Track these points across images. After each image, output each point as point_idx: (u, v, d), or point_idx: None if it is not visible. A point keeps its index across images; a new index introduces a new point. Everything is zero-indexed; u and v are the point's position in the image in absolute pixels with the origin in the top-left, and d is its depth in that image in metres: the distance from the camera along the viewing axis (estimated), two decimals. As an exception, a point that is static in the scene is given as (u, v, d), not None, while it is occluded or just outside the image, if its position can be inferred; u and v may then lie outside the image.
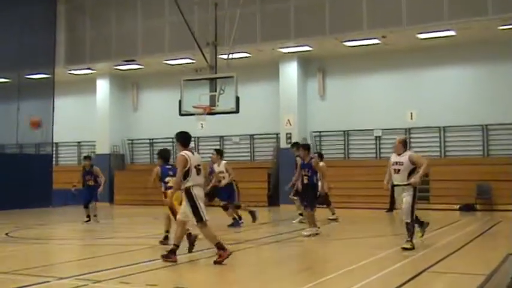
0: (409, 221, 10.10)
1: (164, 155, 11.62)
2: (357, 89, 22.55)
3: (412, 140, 21.45)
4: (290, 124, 22.56)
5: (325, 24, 20.06)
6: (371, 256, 9.40)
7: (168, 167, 11.37)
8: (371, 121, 22.01)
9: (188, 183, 8.85)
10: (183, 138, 9.48)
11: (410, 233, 10.08)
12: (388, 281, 7.69)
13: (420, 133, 21.51)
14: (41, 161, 23.50)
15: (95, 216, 15.49)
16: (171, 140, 25.28)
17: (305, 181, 12.43)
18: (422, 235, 10.85)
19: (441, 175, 19.76)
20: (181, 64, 23.31)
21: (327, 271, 8.13)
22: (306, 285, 7.25)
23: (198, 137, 24.74)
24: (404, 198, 10.10)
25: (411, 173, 10.09)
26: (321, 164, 16.01)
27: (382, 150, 21.83)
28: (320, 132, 22.96)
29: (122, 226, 15.33)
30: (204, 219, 8.89)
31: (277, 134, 23.37)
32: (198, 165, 9.08)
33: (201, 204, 8.90)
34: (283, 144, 22.58)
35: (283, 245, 11.63)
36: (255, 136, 24.10)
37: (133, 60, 23.99)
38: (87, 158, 16.03)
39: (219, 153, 15.03)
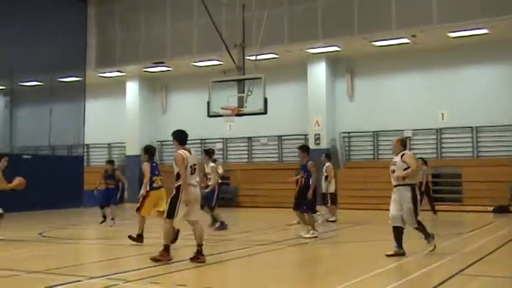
0: (416, 226, 9.58)
1: (151, 151, 11.66)
2: (386, 89, 22.35)
3: (443, 140, 21.19)
4: (318, 125, 22.47)
5: (354, 24, 19.94)
6: (401, 259, 9.28)
7: (154, 164, 11.39)
8: (401, 122, 21.77)
9: (179, 182, 8.89)
10: (180, 137, 9.51)
11: (425, 233, 9.66)
12: (419, 283, 7.59)
13: (452, 133, 21.21)
14: (72, 163, 23.86)
15: (112, 219, 15.36)
16: (199, 141, 25.47)
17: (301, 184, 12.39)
18: (433, 249, 9.66)
19: (474, 176, 19.46)
20: (209, 66, 23.42)
21: (357, 273, 8.06)
22: (336, 287, 7.19)
23: (226, 138, 24.82)
24: (406, 207, 9.44)
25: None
26: (327, 164, 16.10)
27: (412, 152, 21.53)
28: (349, 133, 22.81)
29: (152, 226, 15.40)
30: (173, 217, 8.90)
31: (305, 135, 23.29)
32: (194, 164, 9.14)
33: (180, 205, 8.83)
34: (312, 145, 22.47)
35: (311, 246, 11.56)
36: (283, 137, 24.06)
37: (162, 63, 24.18)
38: (109, 162, 16.21)
39: (208, 154, 14.86)
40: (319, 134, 22.42)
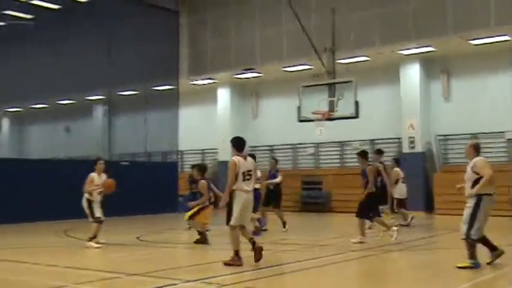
0: (463, 237, 8.76)
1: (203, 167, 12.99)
2: (484, 90, 21.35)
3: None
4: (413, 128, 21.84)
5: (448, 22, 19.25)
6: (501, 267, 8.80)
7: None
8: (501, 123, 20.70)
9: (233, 187, 9.11)
10: (238, 143, 9.73)
11: (469, 251, 8.71)
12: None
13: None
14: (167, 169, 24.53)
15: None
16: (290, 146, 25.47)
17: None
18: (490, 262, 8.93)
19: None
20: (299, 71, 23.39)
21: (456, 280, 7.72)
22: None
23: (318, 143, 24.65)
24: (464, 211, 8.80)
25: (477, 182, 8.71)
26: (395, 169, 15.68)
27: (514, 155, 20.50)
28: (445, 135, 22.01)
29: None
30: (230, 223, 9.19)
31: (399, 139, 22.71)
32: (249, 170, 9.28)
33: (237, 210, 9.07)
34: (406, 148, 21.92)
35: (406, 253, 11.23)
36: (375, 141, 23.58)
37: (252, 69, 24.43)
38: (194, 166, 16.49)
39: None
40: (413, 137, 21.80)
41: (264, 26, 23.62)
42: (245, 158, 9.44)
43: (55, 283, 8.20)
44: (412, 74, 22.04)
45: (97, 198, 12.49)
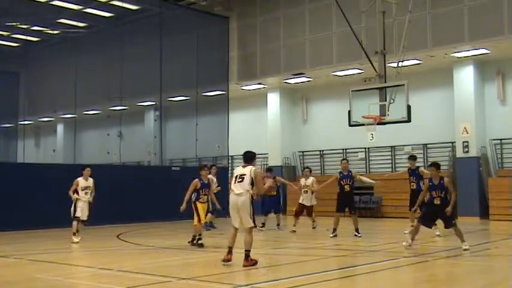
0: None
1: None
2: (542, 92, 20.67)
3: None
4: (467, 132, 21.31)
5: (504, 23, 18.73)
6: None
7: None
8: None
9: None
10: (243, 156, 10.28)
11: None
12: None
13: None
14: (218, 173, 24.64)
15: (277, 225, 17.33)
16: (341, 151, 25.25)
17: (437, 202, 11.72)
18: None
19: None
20: (349, 75, 23.18)
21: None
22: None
23: (369, 148, 24.36)
24: None
25: None
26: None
27: None
28: (501, 140, 21.38)
29: (294, 236, 15.52)
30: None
31: (452, 143, 22.20)
32: (242, 175, 10.00)
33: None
34: (460, 153, 21.42)
35: (460, 259, 10.94)
36: (428, 145, 23.13)
37: (302, 74, 24.35)
38: (268, 170, 16.91)
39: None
40: (467, 142, 21.26)
41: (314, 30, 23.53)
42: (243, 167, 10.06)
43: (108, 286, 8.34)
44: (466, 77, 21.51)
45: (83, 199, 14.45)
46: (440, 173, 11.92)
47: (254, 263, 9.68)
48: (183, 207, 12.64)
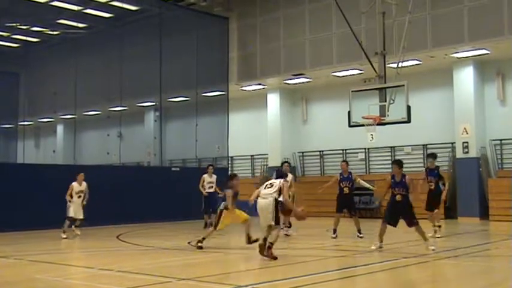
0: None
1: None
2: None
3: None
4: (467, 133, 21.30)
5: (504, 24, 18.73)
6: None
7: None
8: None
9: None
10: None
11: None
12: None
13: None
14: (218, 174, 24.62)
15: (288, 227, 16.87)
16: (341, 151, 25.25)
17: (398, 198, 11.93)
18: None
19: None
20: (349, 75, 23.19)
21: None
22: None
23: (368, 148, 24.35)
24: None
25: None
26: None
27: None
28: (501, 140, 21.38)
29: (295, 237, 15.52)
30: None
31: (452, 144, 22.21)
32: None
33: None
34: (460, 154, 21.41)
35: (460, 260, 10.94)
36: (428, 146, 23.11)
37: (301, 74, 24.35)
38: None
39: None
40: (467, 142, 21.25)
41: (314, 31, 23.53)
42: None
43: (108, 287, 8.34)
44: (466, 77, 21.50)
45: (77, 202, 15.93)
46: (402, 171, 12.04)
47: (273, 257, 10.38)
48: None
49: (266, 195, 10.92)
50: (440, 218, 14.69)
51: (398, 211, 11.82)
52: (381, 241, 11.95)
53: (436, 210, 14.54)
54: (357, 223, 14.79)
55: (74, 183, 16.01)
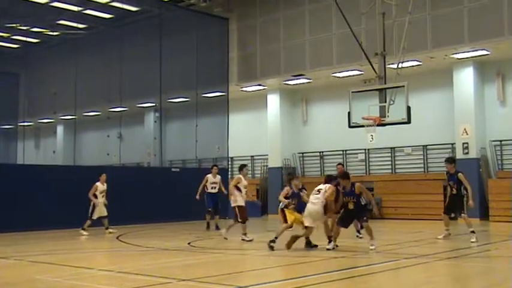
0: None
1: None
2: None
3: None
4: (467, 133, 21.30)
5: (504, 24, 18.73)
6: None
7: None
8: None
9: None
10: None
11: None
12: None
13: None
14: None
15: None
16: (341, 152, 25.25)
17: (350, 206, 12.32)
18: None
19: None
20: (349, 76, 23.19)
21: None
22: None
23: (368, 149, 24.35)
24: None
25: None
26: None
27: None
28: (501, 141, 21.38)
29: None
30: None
31: (452, 144, 22.20)
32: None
33: None
34: (460, 154, 21.40)
35: (461, 261, 10.94)
36: (428, 147, 23.13)
37: (301, 75, 24.35)
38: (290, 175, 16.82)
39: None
40: (467, 143, 21.25)
41: (314, 31, 23.52)
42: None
43: (108, 287, 8.33)
44: (466, 78, 21.51)
45: (101, 201, 16.85)
46: (351, 181, 12.32)
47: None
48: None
49: (314, 201, 12.17)
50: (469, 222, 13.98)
51: (352, 215, 12.42)
52: (335, 241, 12.32)
53: (463, 215, 14.03)
54: (356, 224, 14.76)
55: (98, 183, 16.93)
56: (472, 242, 13.20)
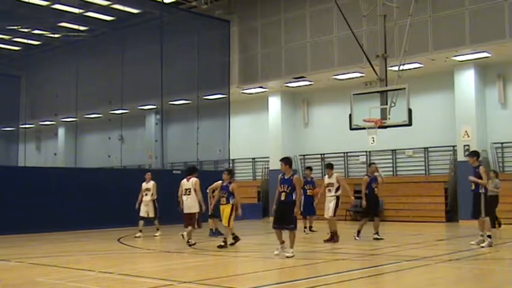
0: None
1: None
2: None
3: None
4: (468, 135, 21.29)
5: (505, 27, 18.73)
6: None
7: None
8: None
9: None
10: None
11: None
12: None
13: None
14: (219, 177, 24.57)
15: (309, 228, 17.43)
16: (342, 154, 25.24)
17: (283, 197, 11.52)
18: None
19: None
20: (350, 78, 23.19)
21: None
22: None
23: (369, 151, 24.35)
24: None
25: None
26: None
27: None
28: (502, 143, 21.37)
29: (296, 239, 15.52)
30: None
31: (453, 146, 22.19)
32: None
33: None
34: (461, 157, 21.38)
35: (463, 263, 10.92)
36: (429, 149, 23.12)
37: (303, 77, 24.35)
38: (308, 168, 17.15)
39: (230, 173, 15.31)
40: (468, 145, 21.23)
41: (315, 34, 23.53)
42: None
43: (109, 289, 8.34)
44: (467, 80, 21.50)
45: (145, 199, 17.06)
46: (292, 170, 11.58)
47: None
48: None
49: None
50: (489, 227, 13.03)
51: (282, 212, 11.34)
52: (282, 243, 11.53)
53: (481, 218, 12.96)
54: (361, 225, 14.79)
55: (143, 183, 17.22)
56: (472, 243, 13.10)
